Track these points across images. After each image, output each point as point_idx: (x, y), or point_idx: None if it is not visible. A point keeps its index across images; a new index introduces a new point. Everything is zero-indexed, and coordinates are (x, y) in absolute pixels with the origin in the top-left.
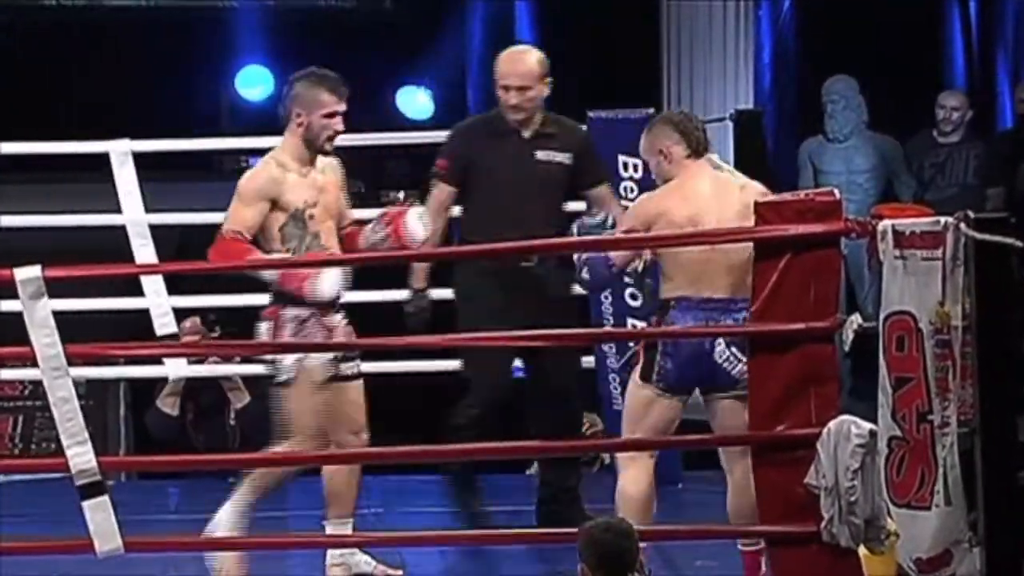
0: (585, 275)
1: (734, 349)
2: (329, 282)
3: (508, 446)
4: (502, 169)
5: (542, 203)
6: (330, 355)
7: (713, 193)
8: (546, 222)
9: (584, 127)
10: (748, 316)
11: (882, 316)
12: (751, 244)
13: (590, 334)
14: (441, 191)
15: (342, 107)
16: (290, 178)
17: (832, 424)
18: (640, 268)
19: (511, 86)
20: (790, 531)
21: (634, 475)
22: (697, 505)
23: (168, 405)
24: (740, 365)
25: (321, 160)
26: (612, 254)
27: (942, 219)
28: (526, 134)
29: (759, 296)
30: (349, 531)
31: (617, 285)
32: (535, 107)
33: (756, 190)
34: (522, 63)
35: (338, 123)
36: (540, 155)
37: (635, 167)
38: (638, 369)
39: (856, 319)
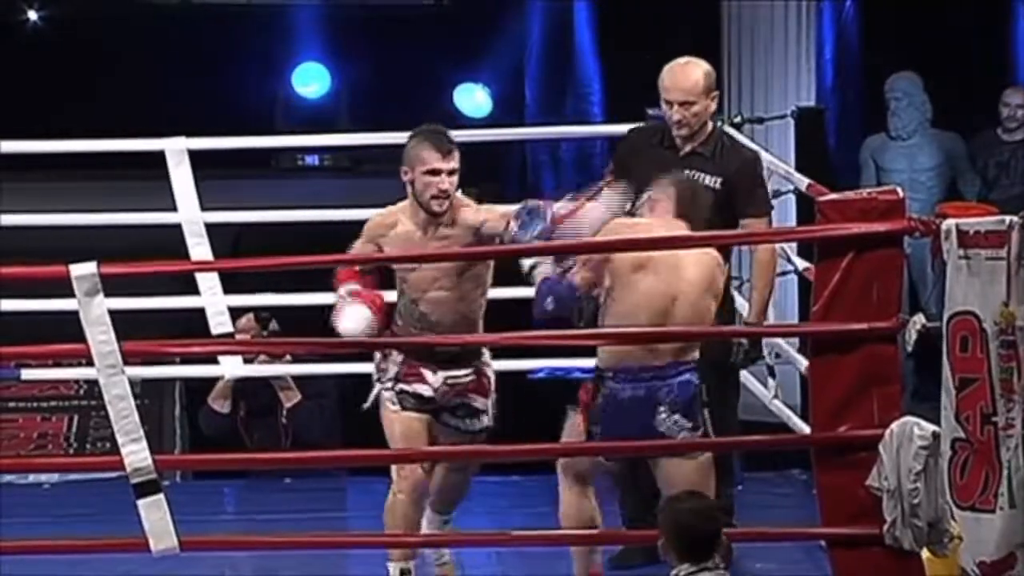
0: (549, 304)
1: (676, 416)
2: (349, 320)
3: (528, 448)
4: (645, 183)
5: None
6: (407, 390)
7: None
8: None
9: (753, 154)
10: (693, 378)
11: (946, 316)
12: (709, 314)
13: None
14: None
15: (446, 165)
16: (396, 232)
17: (895, 425)
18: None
19: (674, 101)
20: (852, 533)
21: (568, 499)
22: (757, 507)
23: (219, 404)
24: (684, 432)
25: (457, 229)
26: (575, 279)
27: (1007, 218)
28: (683, 151)
29: (820, 296)
30: (445, 529)
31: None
32: (700, 123)
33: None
34: (686, 77)
35: (441, 181)
36: (687, 175)
37: None
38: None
39: (919, 319)
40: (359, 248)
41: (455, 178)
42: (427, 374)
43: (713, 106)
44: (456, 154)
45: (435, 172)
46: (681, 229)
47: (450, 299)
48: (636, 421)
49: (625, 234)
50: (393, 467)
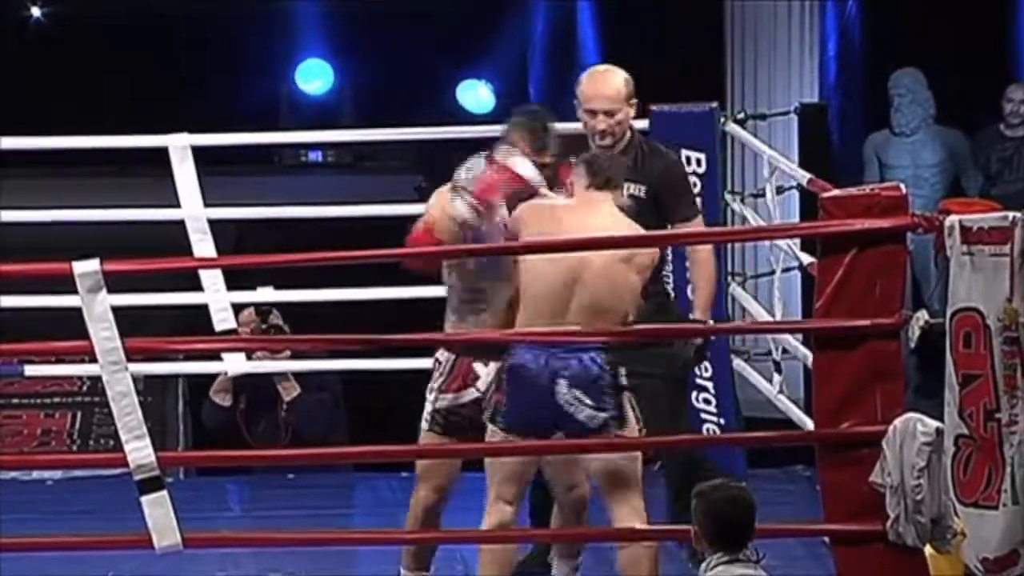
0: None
1: (577, 392)
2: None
3: (536, 445)
4: None
5: None
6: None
7: (601, 225)
8: None
9: (675, 158)
10: (599, 355)
11: (949, 312)
12: (629, 287)
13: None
14: None
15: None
16: None
17: (898, 422)
18: None
19: (597, 110)
20: (855, 530)
21: (490, 523)
22: (760, 503)
23: (220, 397)
24: (587, 409)
25: None
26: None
27: (1010, 214)
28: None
29: (824, 292)
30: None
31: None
32: (623, 131)
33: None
34: (608, 84)
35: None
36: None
37: (698, 161)
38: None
39: (923, 315)
40: None
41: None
42: (478, 368)
43: (632, 113)
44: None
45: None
46: (605, 203)
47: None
48: (536, 390)
49: (544, 216)
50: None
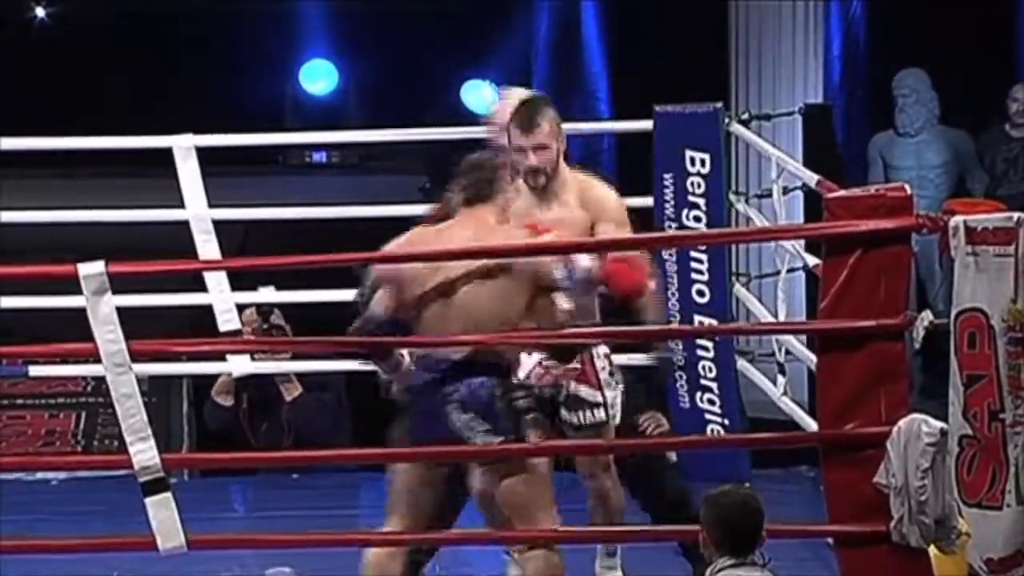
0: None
1: (471, 416)
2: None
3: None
4: None
5: None
6: None
7: (463, 242)
8: None
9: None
10: (488, 381)
11: (953, 313)
12: (509, 298)
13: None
14: None
15: (528, 141)
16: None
17: (902, 423)
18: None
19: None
20: (859, 531)
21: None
22: (764, 504)
23: (223, 397)
24: (483, 435)
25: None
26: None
27: (1015, 215)
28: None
29: (828, 293)
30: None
31: (686, 279)
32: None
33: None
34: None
35: (527, 158)
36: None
37: (701, 162)
38: None
39: (927, 316)
40: None
41: (546, 153)
42: (523, 356)
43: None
44: (543, 128)
45: (520, 149)
46: (475, 218)
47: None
48: (431, 414)
49: (427, 237)
50: None
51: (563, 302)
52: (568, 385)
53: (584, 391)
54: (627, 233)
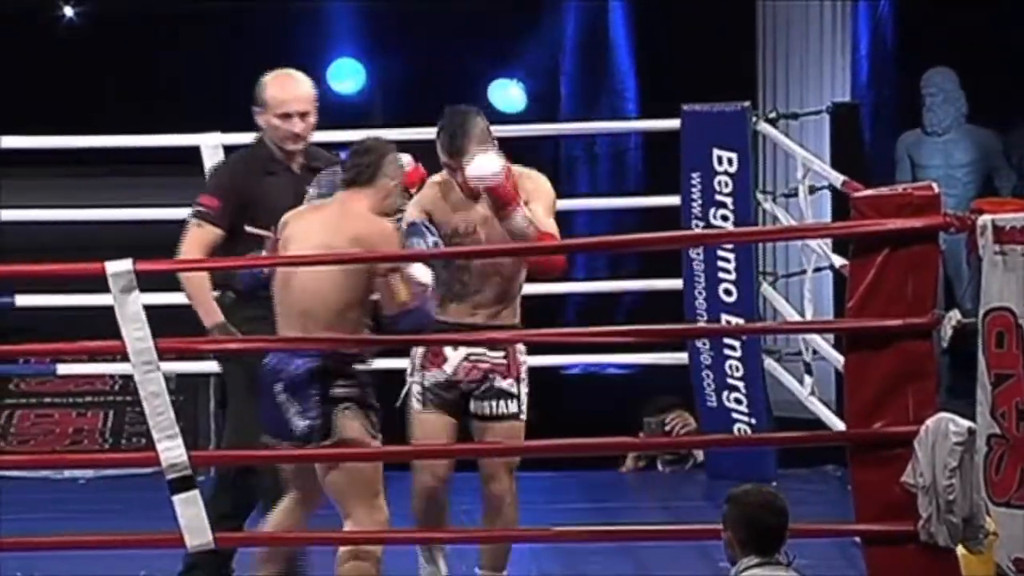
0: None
1: (288, 396)
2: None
3: (558, 444)
4: (280, 209)
5: None
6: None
7: (318, 223)
8: None
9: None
10: (309, 361)
11: (981, 312)
12: (333, 288)
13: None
14: (207, 233)
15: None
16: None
17: (930, 422)
18: None
19: (294, 112)
20: (887, 530)
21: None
22: (791, 503)
23: None
24: (294, 416)
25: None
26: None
27: None
28: (295, 167)
29: (856, 292)
30: None
31: (713, 278)
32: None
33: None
34: (302, 86)
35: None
36: (312, 191)
37: (729, 161)
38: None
39: (955, 315)
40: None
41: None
42: (447, 351)
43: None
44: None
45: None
46: (339, 201)
47: (490, 271)
48: (267, 392)
49: (297, 219)
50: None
51: (421, 275)
52: (493, 379)
53: (505, 382)
54: (550, 220)
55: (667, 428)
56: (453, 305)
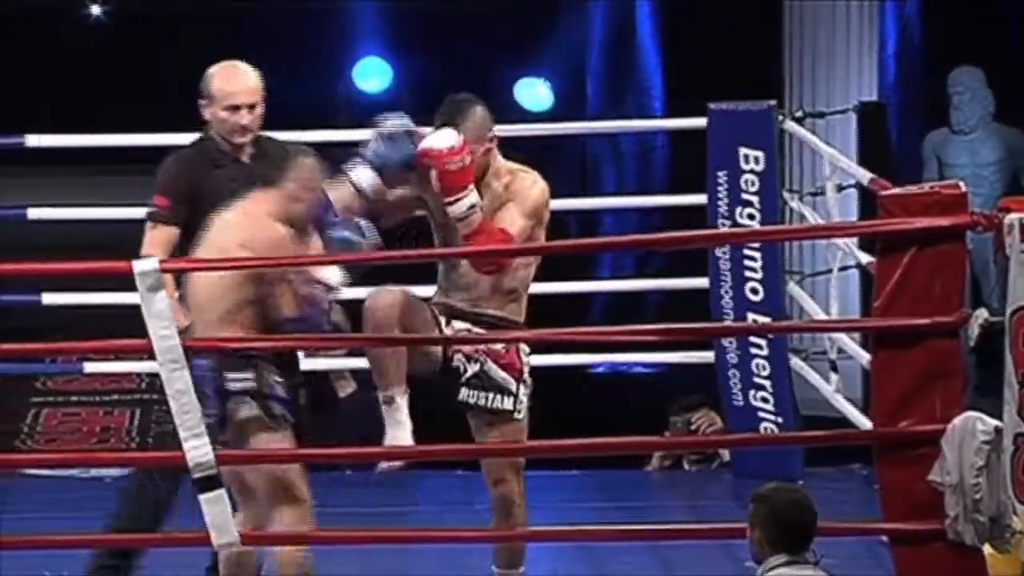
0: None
1: (199, 398)
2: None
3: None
4: (232, 202)
5: None
6: None
7: (220, 222)
8: None
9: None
10: (204, 363)
11: (1008, 311)
12: (223, 287)
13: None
14: (163, 233)
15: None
16: None
17: (957, 421)
18: None
19: (243, 104)
20: (914, 529)
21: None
22: (818, 502)
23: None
24: (205, 419)
25: None
26: None
27: None
28: (244, 158)
29: (883, 291)
30: None
31: (739, 277)
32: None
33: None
34: (249, 76)
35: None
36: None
37: (756, 159)
38: None
39: (982, 314)
40: None
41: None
42: (445, 328)
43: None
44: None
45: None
46: (257, 201)
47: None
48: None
49: (217, 217)
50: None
51: (329, 277)
52: (484, 363)
53: (501, 374)
54: (521, 221)
55: (693, 427)
56: (456, 294)
